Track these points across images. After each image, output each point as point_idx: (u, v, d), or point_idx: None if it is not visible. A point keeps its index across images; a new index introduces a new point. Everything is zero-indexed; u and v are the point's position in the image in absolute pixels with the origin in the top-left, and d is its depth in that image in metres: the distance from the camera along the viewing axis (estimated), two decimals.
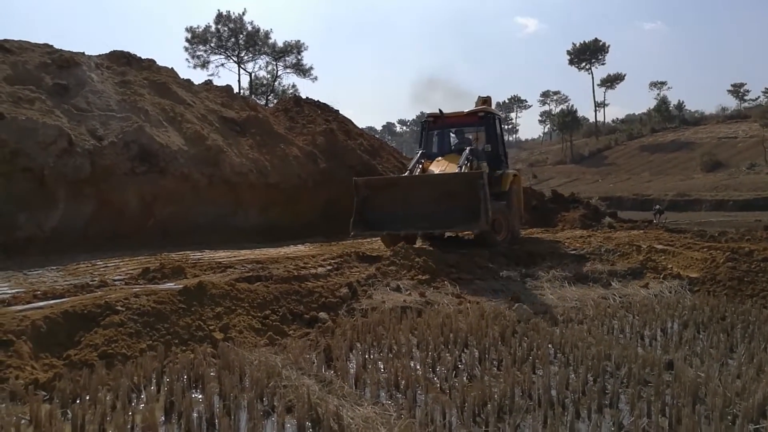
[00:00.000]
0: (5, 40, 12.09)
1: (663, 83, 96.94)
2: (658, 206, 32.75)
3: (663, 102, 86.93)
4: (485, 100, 12.65)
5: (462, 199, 9.08)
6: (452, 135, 11.84)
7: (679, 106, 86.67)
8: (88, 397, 3.68)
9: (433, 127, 11.84)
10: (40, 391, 3.72)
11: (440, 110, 11.74)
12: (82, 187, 10.29)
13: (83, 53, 13.12)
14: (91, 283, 6.38)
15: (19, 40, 12.47)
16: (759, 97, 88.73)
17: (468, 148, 10.51)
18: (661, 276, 8.14)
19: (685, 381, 3.90)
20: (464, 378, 4.20)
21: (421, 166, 10.68)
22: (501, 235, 10.48)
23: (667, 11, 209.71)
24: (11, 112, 9.89)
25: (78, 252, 9.25)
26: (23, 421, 3.28)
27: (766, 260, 7.70)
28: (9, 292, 6.05)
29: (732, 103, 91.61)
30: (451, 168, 10.09)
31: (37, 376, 3.90)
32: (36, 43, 12.65)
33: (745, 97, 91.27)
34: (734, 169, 52.20)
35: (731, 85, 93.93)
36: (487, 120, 11.43)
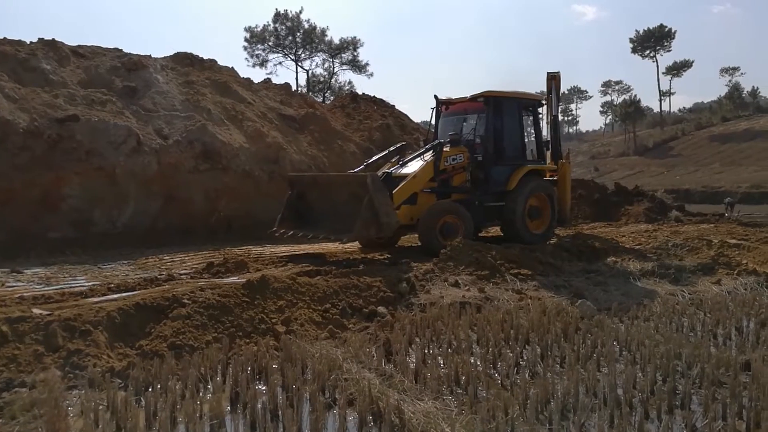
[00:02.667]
0: (79, 46, 12.75)
1: (735, 69, 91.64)
2: (729, 198, 31.10)
3: (735, 89, 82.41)
4: (554, 76, 11.81)
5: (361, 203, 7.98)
6: (465, 122, 10.53)
7: (754, 92, 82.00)
8: (159, 386, 3.85)
9: (444, 114, 10.79)
10: (116, 378, 3.92)
11: (435, 96, 10.78)
12: (149, 185, 10.74)
13: (150, 56, 13.67)
14: (159, 276, 6.67)
15: (92, 45, 13.11)
16: None
17: (446, 139, 9.66)
18: (735, 272, 7.75)
19: (764, 382, 3.70)
20: (526, 375, 4.12)
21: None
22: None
23: None
24: (85, 113, 10.43)
25: (147, 246, 9.69)
26: (101, 407, 3.46)
27: None
28: (86, 284, 6.40)
29: None
30: (425, 165, 9.22)
31: (113, 364, 4.11)
32: (106, 48, 13.28)
33: None
34: None
35: None
36: (489, 104, 9.93)
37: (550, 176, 11.08)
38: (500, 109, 10.05)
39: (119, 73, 12.33)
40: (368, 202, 7.84)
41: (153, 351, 4.37)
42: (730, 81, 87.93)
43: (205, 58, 15.18)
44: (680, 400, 3.66)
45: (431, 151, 9.31)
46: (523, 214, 9.86)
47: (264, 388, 3.89)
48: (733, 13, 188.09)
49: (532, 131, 11.15)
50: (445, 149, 9.40)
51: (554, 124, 11.40)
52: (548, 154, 11.20)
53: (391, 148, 10.39)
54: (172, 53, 14.63)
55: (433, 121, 10.93)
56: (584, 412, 3.44)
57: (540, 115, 11.01)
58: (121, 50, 13.33)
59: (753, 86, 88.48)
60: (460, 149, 9.64)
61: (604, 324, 5.31)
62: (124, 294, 5.48)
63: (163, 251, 9.36)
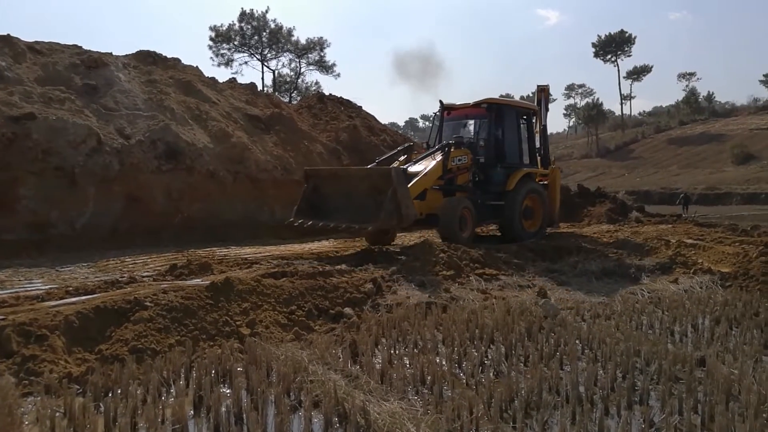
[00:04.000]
0: (36, 42, 12.37)
1: (692, 74, 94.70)
2: (683, 194, 32.15)
3: (692, 93, 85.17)
4: (543, 89, 12.79)
5: (383, 195, 8.51)
6: (465, 126, 11.54)
7: (709, 97, 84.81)
8: (119, 391, 3.76)
9: (446, 119, 11.59)
10: (74, 384, 3.81)
11: (441, 101, 11.59)
12: (111, 185, 10.48)
13: (111, 53, 13.35)
14: (120, 279, 6.51)
15: (49, 42, 12.73)
16: None
17: (451, 141, 10.28)
18: (691, 271, 7.99)
19: (718, 378, 3.82)
20: (491, 374, 4.17)
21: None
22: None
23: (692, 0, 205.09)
24: (42, 112, 10.12)
25: (107, 249, 9.45)
26: (57, 414, 3.36)
27: None
28: (42, 288, 6.21)
29: (764, 94, 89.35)
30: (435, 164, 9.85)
31: (71, 369, 3.99)
32: (65, 45, 12.91)
33: None
34: (767, 161, 50.85)
35: (763, 75, 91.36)
36: (491, 111, 10.76)
37: (541, 180, 11.84)
38: (501, 116, 10.84)
39: (78, 70, 11.99)
40: (392, 193, 8.32)
41: (113, 355, 4.26)
42: (687, 86, 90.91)
43: (168, 56, 14.92)
44: (639, 396, 3.75)
45: (440, 151, 9.99)
46: (519, 213, 10.63)
47: (228, 391, 3.84)
48: (689, 20, 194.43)
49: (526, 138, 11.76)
50: (451, 150, 10.02)
51: (543, 133, 12.23)
52: (539, 159, 12.01)
53: (399, 148, 11.17)
54: (134, 51, 14.34)
55: (437, 124, 11.64)
56: (547, 409, 3.50)
57: (533, 124, 11.85)
58: (81, 47, 12.97)
59: (708, 91, 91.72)
60: (464, 151, 10.31)
61: (567, 323, 5.41)
62: (83, 297, 5.32)
63: (125, 253, 9.15)
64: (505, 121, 10.93)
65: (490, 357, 4.54)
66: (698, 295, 6.77)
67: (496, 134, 10.75)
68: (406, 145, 11.56)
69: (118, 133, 11.11)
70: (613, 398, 3.69)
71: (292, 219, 9.37)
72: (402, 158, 10.61)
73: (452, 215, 9.41)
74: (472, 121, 11.29)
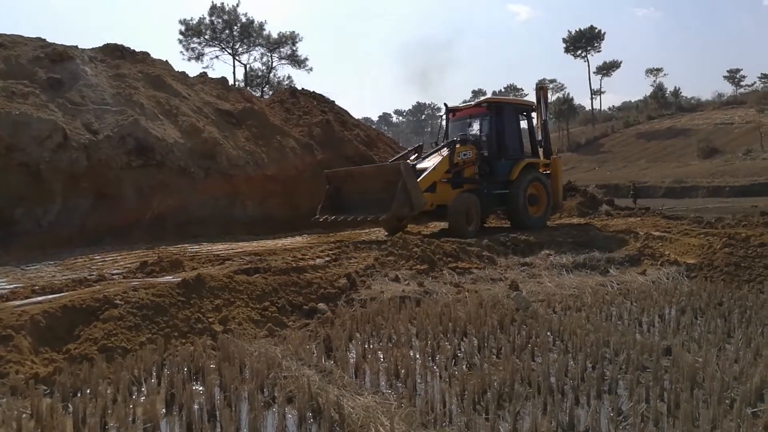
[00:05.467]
0: None
1: (659, 70, 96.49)
2: (632, 185, 33.51)
3: (659, 89, 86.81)
4: (541, 87, 13.95)
5: (394, 187, 9.50)
6: (470, 125, 12.39)
7: (676, 92, 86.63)
8: (88, 391, 3.69)
9: (452, 120, 12.64)
10: (41, 385, 3.74)
11: (445, 104, 12.69)
12: (78, 182, 10.25)
13: (76, 47, 13.03)
14: (89, 277, 6.39)
15: (11, 34, 12.37)
16: (755, 82, 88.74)
17: (455, 138, 11.35)
18: (659, 263, 8.17)
19: (683, 366, 3.93)
20: (464, 366, 4.22)
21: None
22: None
23: None
24: (5, 106, 9.84)
25: (76, 246, 9.25)
26: (24, 416, 3.29)
27: (763, 245, 7.73)
28: (7, 287, 6.04)
29: (728, 89, 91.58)
30: (441, 159, 10.87)
31: (38, 370, 3.91)
32: (29, 37, 12.56)
33: (741, 83, 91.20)
34: (731, 155, 52.22)
35: (727, 71, 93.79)
36: (491, 109, 11.78)
37: (544, 170, 12.73)
38: (501, 113, 11.87)
39: (42, 64, 11.67)
40: (402, 185, 9.38)
41: (82, 355, 4.18)
42: (654, 81, 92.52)
43: (137, 50, 14.63)
44: (608, 385, 3.83)
45: (446, 148, 11.10)
46: (524, 200, 11.61)
47: (201, 388, 3.81)
48: (655, 16, 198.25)
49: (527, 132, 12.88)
50: (456, 146, 11.02)
51: (545, 127, 13.14)
52: (541, 151, 12.95)
53: (410, 148, 12.78)
54: (101, 44, 14.02)
55: (443, 125, 12.81)
56: (519, 400, 3.56)
57: (533, 119, 12.90)
58: (45, 40, 12.63)
59: (675, 86, 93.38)
60: (469, 146, 11.23)
61: (539, 315, 5.50)
62: (50, 296, 5.20)
63: (94, 251, 8.96)
64: (505, 117, 11.91)
65: (463, 350, 4.59)
66: (665, 286, 6.94)
67: (497, 129, 11.72)
68: (416, 145, 12.87)
69: (85, 128, 10.86)
70: (583, 388, 3.76)
71: (317, 216, 10.54)
72: (412, 156, 11.89)
73: (460, 211, 10.41)
74: (475, 120, 12.26)
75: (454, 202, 10.52)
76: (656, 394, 3.60)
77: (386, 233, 11.28)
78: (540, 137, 13.00)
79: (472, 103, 12.62)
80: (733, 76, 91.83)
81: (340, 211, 10.35)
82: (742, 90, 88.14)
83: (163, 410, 3.52)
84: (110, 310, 4.65)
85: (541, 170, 12.55)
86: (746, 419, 3.21)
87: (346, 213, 10.22)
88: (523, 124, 12.59)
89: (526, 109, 12.77)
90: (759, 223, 11.78)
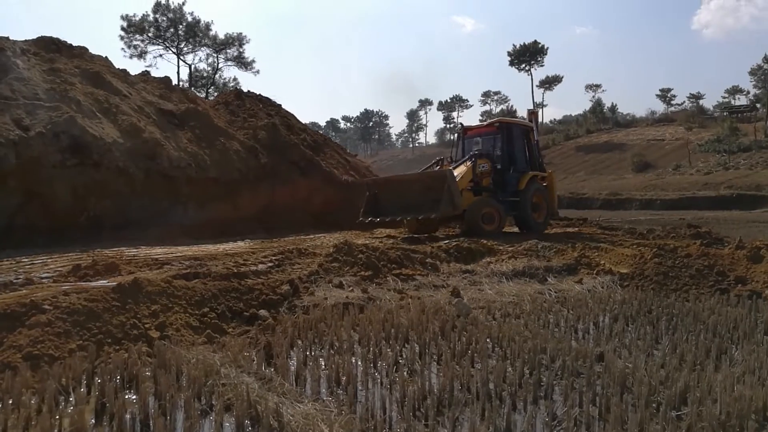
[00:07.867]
0: None
1: (598, 86, 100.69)
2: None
3: (598, 104, 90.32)
4: (533, 111, 16.36)
5: (437, 191, 11.29)
6: (483, 142, 14.07)
7: (613, 108, 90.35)
8: (11, 401, 3.49)
9: (466, 137, 14.44)
10: None
11: (461, 124, 14.96)
12: (5, 180, 9.74)
13: (8, 38, 12.40)
14: (15, 281, 6.05)
15: None
16: (684, 102, 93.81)
17: (475, 152, 13.24)
18: (594, 272, 8.46)
19: (614, 371, 4.08)
20: (405, 373, 4.24)
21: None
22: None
23: (594, 16, 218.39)
24: None
25: (1, 248, 8.76)
26: None
27: (689, 256, 8.16)
28: None
29: (660, 107, 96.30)
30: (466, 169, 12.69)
31: None
32: None
33: (672, 102, 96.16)
34: (661, 169, 54.73)
35: (659, 90, 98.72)
36: (502, 129, 13.82)
37: (541, 183, 14.41)
38: (510, 132, 13.85)
39: None
40: (447, 189, 11.15)
41: (4, 363, 3.94)
42: (593, 97, 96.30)
43: (74, 45, 14.05)
44: (544, 391, 3.94)
45: (469, 161, 12.93)
46: (530, 207, 13.35)
47: (134, 397, 3.67)
48: (593, 35, 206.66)
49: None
50: (477, 159, 12.86)
51: (537, 146, 14.94)
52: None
53: (433, 161, 14.81)
54: (35, 37, 13.39)
55: (458, 141, 14.70)
56: (458, 406, 3.60)
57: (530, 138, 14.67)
58: None
59: (612, 102, 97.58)
60: (486, 160, 13.16)
61: (479, 322, 5.59)
62: None
63: (21, 253, 8.51)
64: (513, 135, 13.87)
65: (404, 356, 4.61)
66: (600, 295, 7.19)
67: (507, 146, 13.61)
68: (437, 159, 14.93)
69: (15, 123, 10.34)
70: (521, 394, 3.85)
71: (361, 219, 12.50)
72: (436, 168, 13.79)
73: (476, 212, 11.99)
74: (486, 137, 14.00)
75: (473, 204, 12.15)
76: (589, 399, 3.72)
77: (410, 232, 12.99)
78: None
79: (485, 123, 15.07)
80: (665, 95, 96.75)
81: (379, 214, 12.31)
82: (672, 108, 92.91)
83: (93, 420, 3.37)
84: (37, 316, 4.42)
85: (539, 182, 14.26)
86: (671, 422, 3.37)
87: (384, 214, 12.24)
88: None
89: (527, 129, 14.59)
90: (686, 235, 12.46)
